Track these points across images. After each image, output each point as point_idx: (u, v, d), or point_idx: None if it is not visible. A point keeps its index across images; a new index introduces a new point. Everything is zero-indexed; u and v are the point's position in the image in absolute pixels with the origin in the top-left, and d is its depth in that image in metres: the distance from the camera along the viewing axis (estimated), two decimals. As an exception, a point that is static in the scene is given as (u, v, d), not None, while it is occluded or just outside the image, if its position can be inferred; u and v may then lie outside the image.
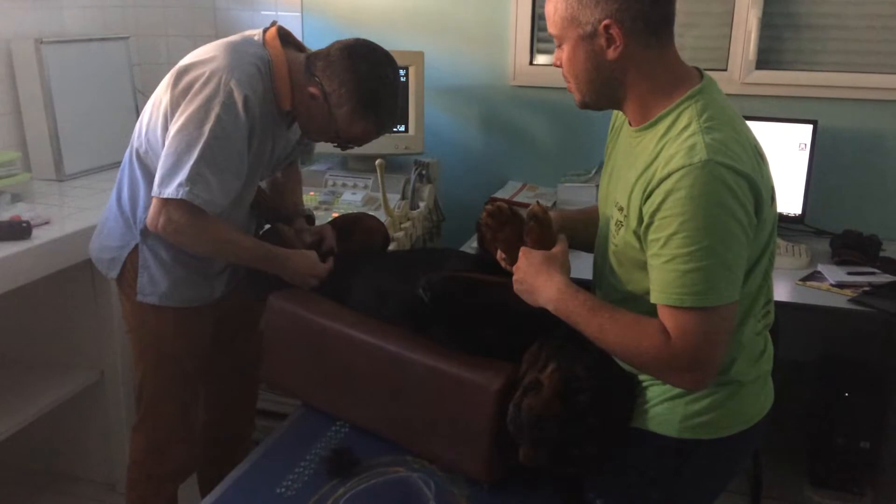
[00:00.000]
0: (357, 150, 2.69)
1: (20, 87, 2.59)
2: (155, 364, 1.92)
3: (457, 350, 1.54)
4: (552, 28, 1.37)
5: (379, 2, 3.10)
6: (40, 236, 2.11)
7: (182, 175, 1.64)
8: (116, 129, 2.79)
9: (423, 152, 2.75)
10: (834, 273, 2.34)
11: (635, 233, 1.32)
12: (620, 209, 1.36)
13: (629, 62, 1.31)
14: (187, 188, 1.64)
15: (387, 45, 1.67)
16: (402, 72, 2.63)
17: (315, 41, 3.14)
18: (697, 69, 1.38)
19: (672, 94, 1.32)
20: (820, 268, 2.39)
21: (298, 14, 3.19)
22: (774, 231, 1.38)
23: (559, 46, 1.37)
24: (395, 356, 1.57)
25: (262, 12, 3.27)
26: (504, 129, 3.08)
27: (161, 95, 1.75)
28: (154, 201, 1.69)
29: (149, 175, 1.78)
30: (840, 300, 2.20)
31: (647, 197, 1.27)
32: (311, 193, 2.61)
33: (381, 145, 2.69)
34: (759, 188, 1.25)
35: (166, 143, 1.69)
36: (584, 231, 1.58)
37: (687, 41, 2.91)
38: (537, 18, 3.00)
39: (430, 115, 2.96)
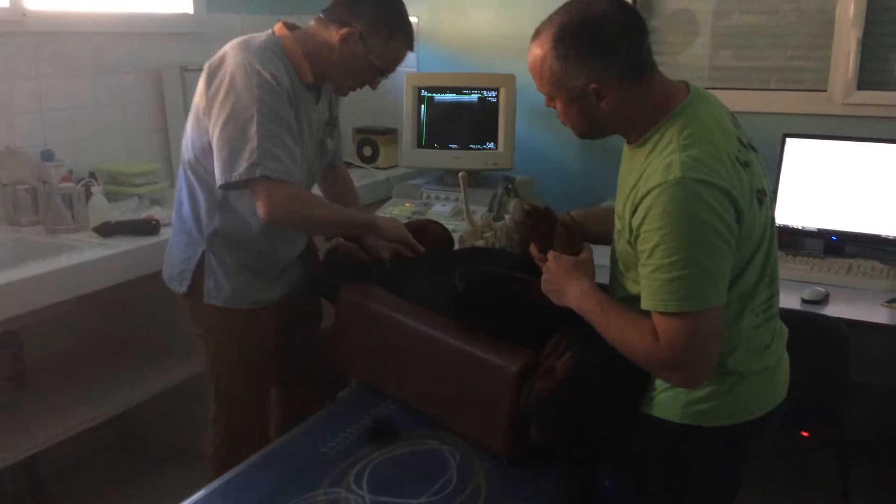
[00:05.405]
0: (449, 166, 2.88)
1: (167, 108, 2.99)
2: (225, 361, 2.06)
3: (487, 336, 1.68)
4: (540, 88, 1.47)
5: (483, 29, 3.32)
6: (168, 234, 2.45)
7: (246, 157, 1.75)
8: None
9: (512, 168, 2.90)
10: (924, 297, 2.27)
11: (629, 242, 1.43)
12: (620, 219, 1.47)
13: (619, 106, 1.41)
14: (260, 166, 1.75)
15: (489, 68, 1.80)
16: (492, 93, 2.82)
17: (429, 66, 3.41)
18: (686, 83, 1.46)
19: (658, 115, 1.41)
20: (915, 292, 2.33)
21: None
22: (769, 230, 1.44)
23: (550, 99, 1.48)
24: (433, 339, 1.73)
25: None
26: (602, 149, 3.14)
27: (198, 101, 1.88)
28: (255, 188, 1.78)
29: (203, 180, 1.91)
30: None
31: (634, 211, 1.38)
32: (407, 204, 2.83)
33: (471, 160, 2.88)
34: (737, 198, 1.32)
35: (214, 137, 1.79)
36: (602, 225, 1.68)
37: (787, 62, 2.90)
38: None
39: (529, 135, 3.11)
